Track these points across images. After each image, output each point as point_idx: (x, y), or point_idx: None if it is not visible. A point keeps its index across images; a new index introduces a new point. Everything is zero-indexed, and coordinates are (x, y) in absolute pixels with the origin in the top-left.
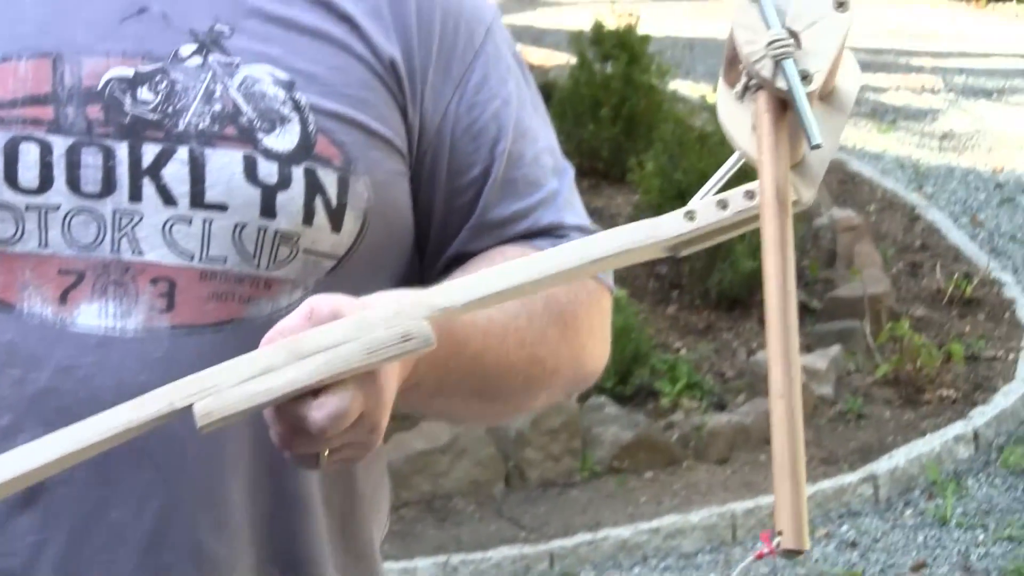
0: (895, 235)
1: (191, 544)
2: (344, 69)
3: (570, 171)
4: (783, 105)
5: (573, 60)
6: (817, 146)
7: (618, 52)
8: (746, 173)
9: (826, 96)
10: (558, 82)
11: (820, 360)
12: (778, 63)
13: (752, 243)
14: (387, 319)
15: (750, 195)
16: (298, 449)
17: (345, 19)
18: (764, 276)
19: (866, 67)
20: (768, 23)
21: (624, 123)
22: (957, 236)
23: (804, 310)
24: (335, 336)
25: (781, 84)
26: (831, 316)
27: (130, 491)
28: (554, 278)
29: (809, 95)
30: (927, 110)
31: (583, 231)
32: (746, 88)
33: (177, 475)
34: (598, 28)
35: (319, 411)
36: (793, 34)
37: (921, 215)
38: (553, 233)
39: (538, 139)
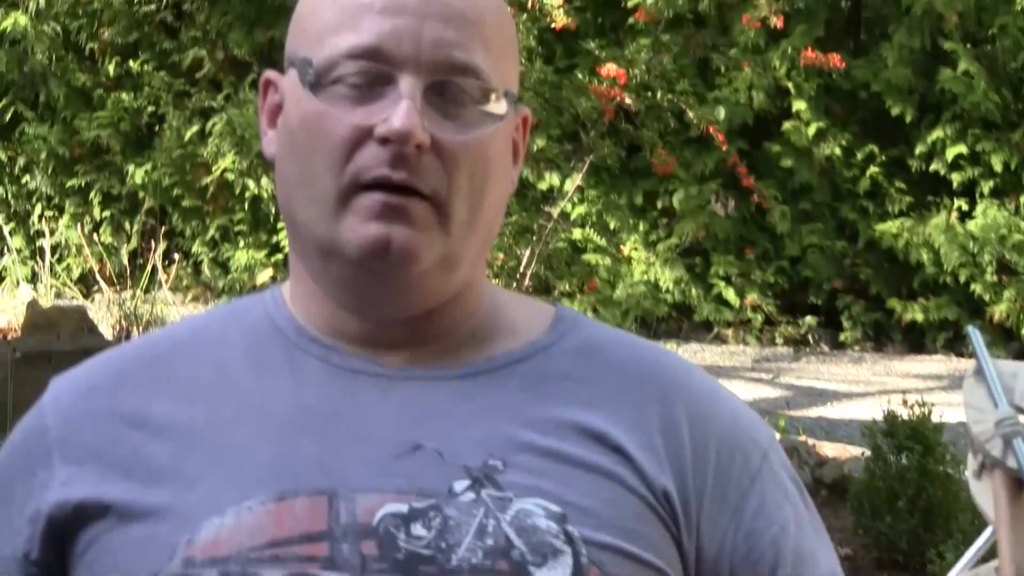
0: None
1: None
2: (616, 501)
3: None
4: (1019, 483)
5: (867, 452)
6: None
7: (912, 443)
8: None
9: None
10: (853, 475)
11: None
12: (1008, 442)
13: None
14: None
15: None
16: None
17: (617, 451)
18: None
19: None
20: (996, 402)
21: (921, 514)
22: None
23: None
24: None
25: (1012, 463)
26: None
27: None
28: None
29: None
30: None
31: None
32: (982, 467)
33: None
34: (891, 419)
35: None
36: (1022, 411)
37: None
38: None
39: (818, 563)
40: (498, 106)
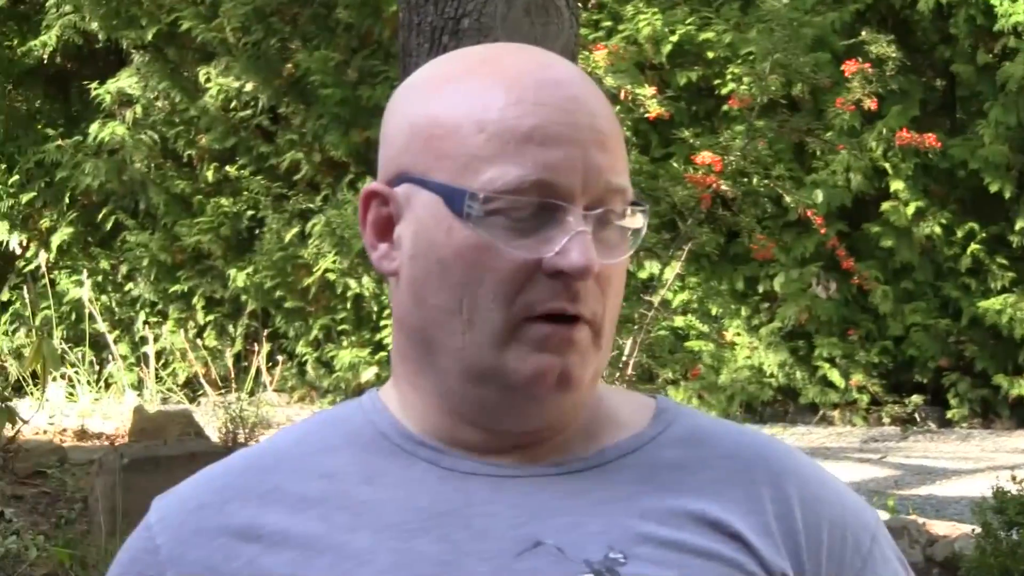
0: None
1: None
2: None
3: None
4: None
5: (978, 529)
6: None
7: (1023, 519)
8: None
9: None
10: (964, 553)
11: None
12: None
13: None
14: None
15: None
16: None
17: (735, 538)
18: None
19: None
20: None
21: None
22: None
23: None
24: None
25: None
26: None
27: None
28: None
29: None
30: None
31: None
32: None
33: None
34: (1000, 495)
35: None
36: None
37: None
38: None
39: None
40: (634, 220)
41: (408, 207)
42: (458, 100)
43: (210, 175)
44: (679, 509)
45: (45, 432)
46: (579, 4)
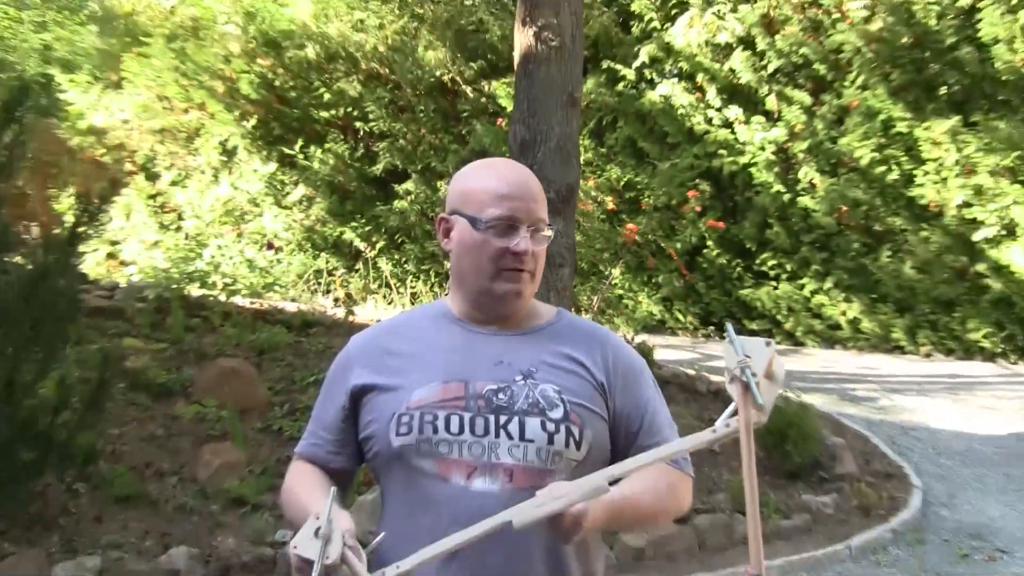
0: None
1: (520, 572)
2: (582, 386)
3: (675, 426)
4: (746, 387)
5: None
6: (760, 406)
7: None
8: None
9: (769, 377)
10: None
11: None
12: (743, 370)
13: None
14: (589, 481)
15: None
16: (558, 530)
17: (582, 366)
18: (743, 469)
19: None
20: (736, 352)
21: None
22: None
23: None
24: (567, 489)
25: (744, 379)
26: None
27: (495, 550)
28: (649, 463)
29: (757, 383)
30: None
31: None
32: (731, 380)
33: (516, 544)
34: None
35: (571, 512)
36: (747, 356)
37: None
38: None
39: (659, 413)
40: (549, 232)
41: (455, 224)
42: (475, 179)
43: None
44: (561, 352)
45: None
46: None
